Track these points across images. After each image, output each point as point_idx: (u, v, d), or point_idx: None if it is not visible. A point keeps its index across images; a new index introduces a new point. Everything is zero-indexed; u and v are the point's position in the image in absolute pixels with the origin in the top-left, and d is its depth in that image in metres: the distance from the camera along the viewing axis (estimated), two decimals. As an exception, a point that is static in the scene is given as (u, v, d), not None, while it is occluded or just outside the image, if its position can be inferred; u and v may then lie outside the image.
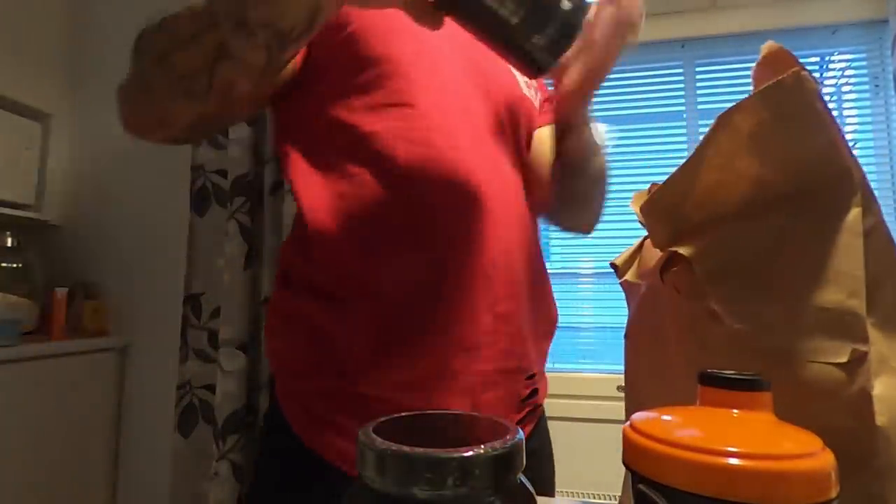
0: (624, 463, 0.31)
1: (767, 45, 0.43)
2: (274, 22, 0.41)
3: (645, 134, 1.82)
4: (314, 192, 0.57)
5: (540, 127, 0.75)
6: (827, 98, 1.64)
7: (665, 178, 0.45)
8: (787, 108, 0.38)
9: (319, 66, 0.59)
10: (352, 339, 0.55)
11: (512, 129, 0.65)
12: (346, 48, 0.58)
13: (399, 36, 0.58)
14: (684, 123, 1.78)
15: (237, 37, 0.42)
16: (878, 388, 0.36)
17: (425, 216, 0.55)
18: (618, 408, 0.56)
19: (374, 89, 0.57)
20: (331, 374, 0.57)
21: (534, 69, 0.45)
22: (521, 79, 0.67)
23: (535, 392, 0.64)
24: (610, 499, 1.48)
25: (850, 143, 0.40)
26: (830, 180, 0.38)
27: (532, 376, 0.62)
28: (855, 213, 0.38)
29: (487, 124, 0.62)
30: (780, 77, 0.38)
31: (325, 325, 0.57)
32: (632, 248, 0.61)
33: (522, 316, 0.60)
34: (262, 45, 0.43)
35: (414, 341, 0.54)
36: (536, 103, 0.71)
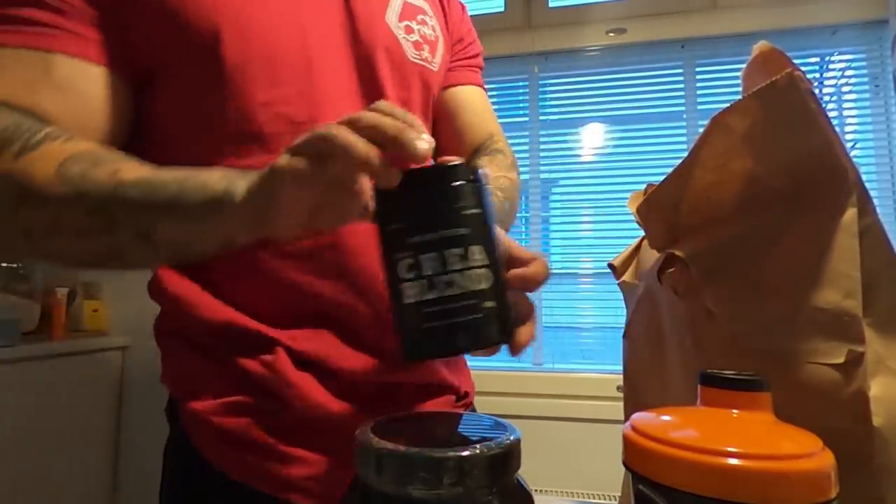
0: (624, 463, 0.31)
1: (759, 46, 0.43)
2: (182, 244, 0.39)
3: (645, 134, 1.82)
4: None
5: (454, 86, 0.67)
6: (827, 98, 1.65)
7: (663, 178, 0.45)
8: (781, 108, 0.38)
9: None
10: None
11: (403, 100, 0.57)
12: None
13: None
14: (684, 124, 1.78)
15: (135, 245, 0.39)
16: (875, 388, 0.36)
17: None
18: (618, 408, 0.56)
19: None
20: (236, 394, 0.52)
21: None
22: (411, 40, 0.57)
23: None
24: (610, 499, 1.48)
25: (849, 144, 0.40)
26: (825, 180, 0.38)
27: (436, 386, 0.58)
28: (850, 213, 0.38)
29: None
30: (773, 78, 0.38)
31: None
32: (630, 249, 0.61)
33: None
34: (162, 256, 0.41)
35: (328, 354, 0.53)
36: (438, 60, 0.62)
